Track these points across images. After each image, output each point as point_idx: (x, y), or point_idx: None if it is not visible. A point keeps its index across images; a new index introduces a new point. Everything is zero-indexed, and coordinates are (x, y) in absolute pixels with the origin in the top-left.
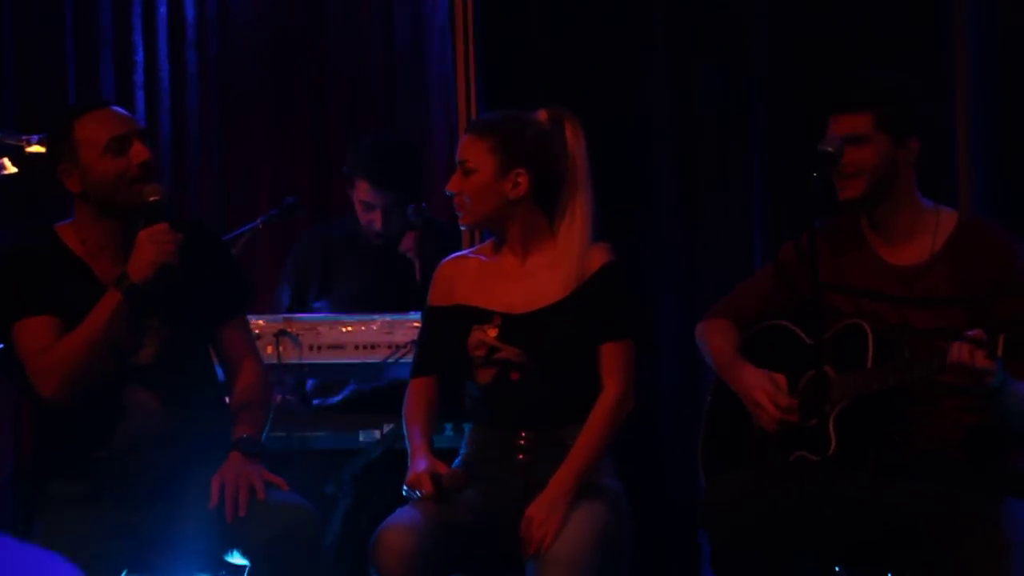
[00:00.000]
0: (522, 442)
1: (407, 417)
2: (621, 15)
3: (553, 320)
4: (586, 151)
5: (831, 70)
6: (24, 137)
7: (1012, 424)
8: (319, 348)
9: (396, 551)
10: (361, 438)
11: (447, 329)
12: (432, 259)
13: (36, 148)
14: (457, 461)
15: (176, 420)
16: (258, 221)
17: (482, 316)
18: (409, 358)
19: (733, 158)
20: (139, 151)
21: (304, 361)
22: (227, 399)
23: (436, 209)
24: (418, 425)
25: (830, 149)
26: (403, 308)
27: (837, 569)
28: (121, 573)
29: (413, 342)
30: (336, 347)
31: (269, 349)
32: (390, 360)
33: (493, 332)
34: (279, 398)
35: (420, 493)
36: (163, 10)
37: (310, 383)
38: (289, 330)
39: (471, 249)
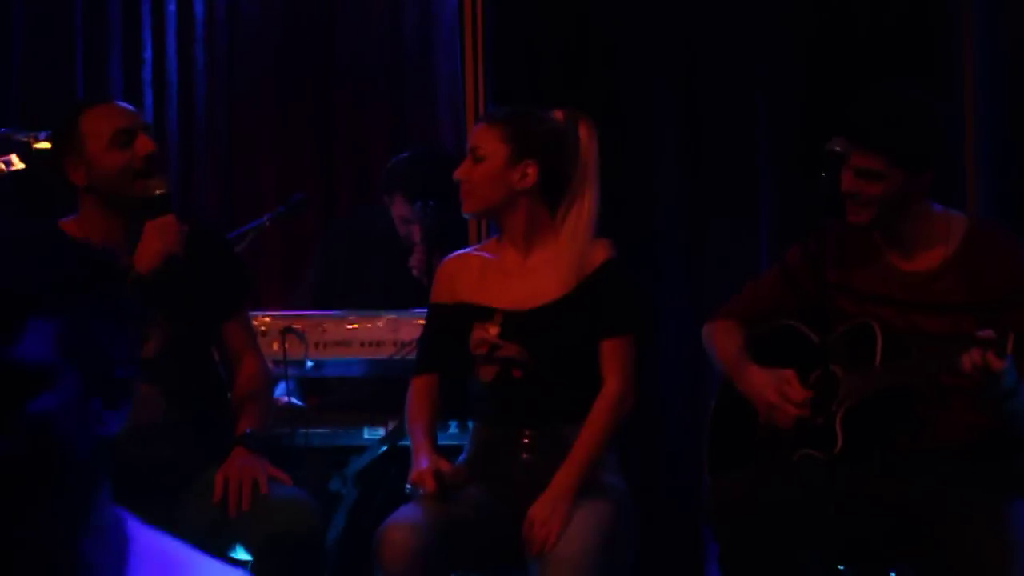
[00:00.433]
0: (525, 440)
1: (410, 415)
2: (630, 15)
3: (554, 317)
4: (598, 154)
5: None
6: (32, 133)
7: (1022, 424)
8: (324, 345)
9: (399, 548)
10: (365, 435)
11: (449, 327)
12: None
13: (44, 144)
14: (460, 459)
15: (179, 414)
16: (265, 218)
17: (484, 314)
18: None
19: (739, 155)
20: (144, 144)
21: (309, 358)
22: (228, 394)
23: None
24: (421, 423)
25: (838, 148)
26: None
27: (842, 567)
28: None
29: (418, 339)
30: (342, 344)
31: (275, 346)
32: (396, 357)
33: (495, 330)
34: (284, 400)
35: (423, 491)
36: (172, 7)
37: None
38: (295, 327)
39: (474, 247)
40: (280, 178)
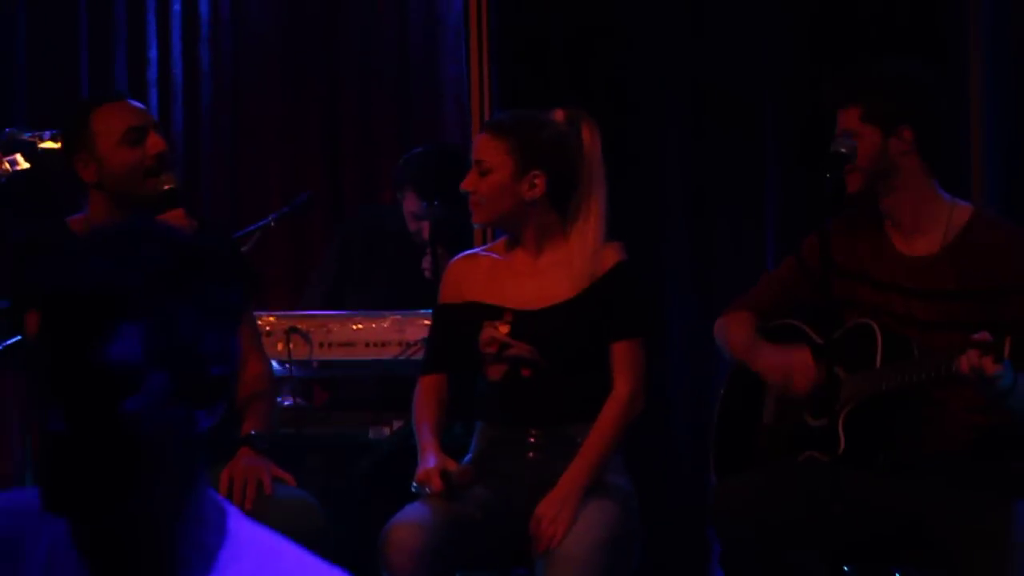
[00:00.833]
0: (532, 440)
1: (416, 414)
2: (634, 14)
3: (565, 317)
4: (601, 152)
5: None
6: (37, 133)
7: (1022, 422)
8: (330, 345)
9: (405, 548)
10: (371, 435)
11: (457, 327)
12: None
13: (49, 144)
14: (467, 458)
15: None
16: (270, 218)
17: (494, 313)
18: (420, 356)
19: (745, 157)
20: (155, 143)
21: (314, 358)
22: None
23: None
24: (428, 422)
25: (843, 150)
26: None
27: (846, 568)
28: None
29: (424, 339)
30: (347, 344)
31: (280, 346)
32: (401, 357)
33: (504, 329)
34: (290, 401)
35: (430, 490)
36: (177, 7)
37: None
38: (300, 327)
39: (482, 247)
40: (285, 178)
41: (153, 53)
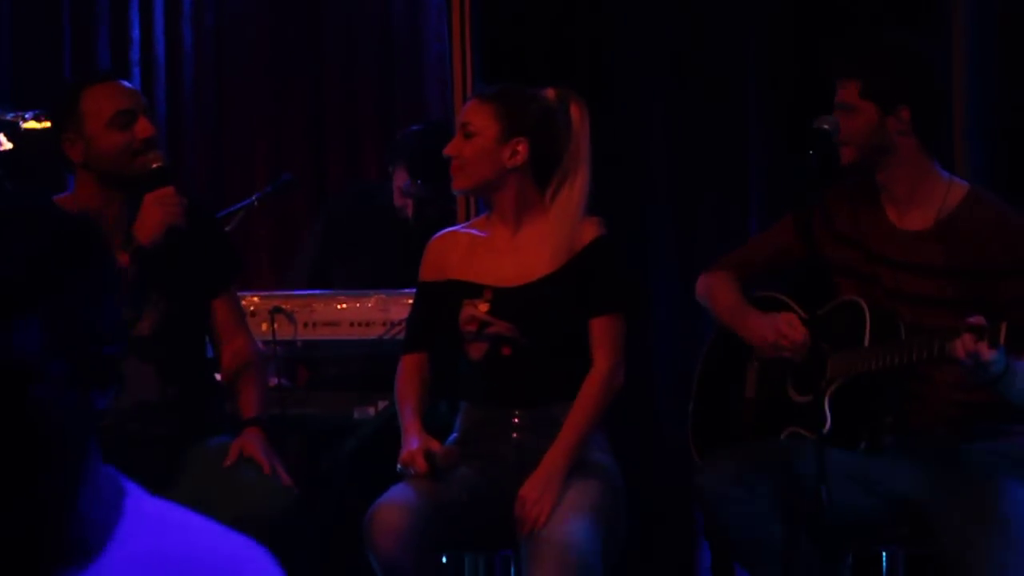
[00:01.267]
0: (516, 420)
1: (399, 395)
2: None
3: (544, 293)
4: (589, 133)
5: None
6: (20, 113)
7: (1014, 401)
8: (314, 325)
9: (390, 529)
10: (355, 415)
11: (438, 305)
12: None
13: (32, 124)
14: (451, 439)
15: (172, 392)
16: (253, 198)
17: (473, 290)
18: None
19: (729, 133)
20: (144, 127)
21: (299, 338)
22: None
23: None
24: (410, 402)
25: (825, 127)
26: None
27: (832, 546)
28: None
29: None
30: (331, 324)
31: (264, 326)
32: (385, 336)
33: (484, 307)
34: (275, 382)
35: (414, 471)
36: None
37: None
38: (284, 307)
39: (463, 224)
40: (269, 157)
41: (136, 33)
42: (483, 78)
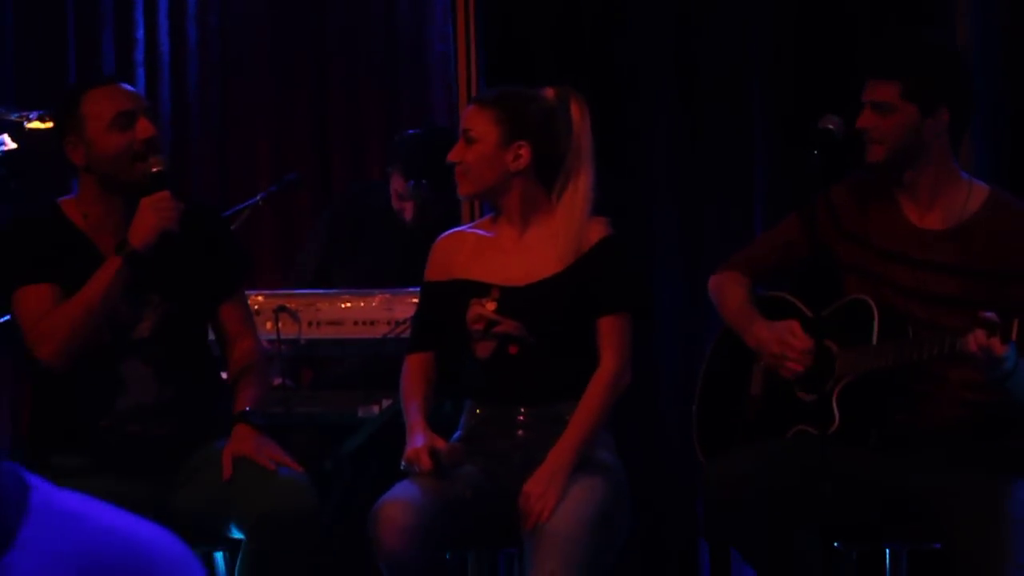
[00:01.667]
0: (521, 418)
1: (404, 393)
2: None
3: (551, 293)
4: (591, 130)
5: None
6: (24, 113)
7: (1018, 402)
8: (318, 324)
9: (395, 526)
10: (360, 413)
11: (444, 304)
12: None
13: (36, 124)
14: (456, 436)
15: (171, 393)
16: (258, 197)
17: (480, 290)
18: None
19: (733, 132)
20: (144, 128)
21: (303, 337)
22: (223, 375)
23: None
24: (415, 401)
25: (830, 126)
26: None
27: (837, 545)
28: None
29: (412, 318)
30: (335, 323)
31: (268, 325)
32: (389, 336)
33: (491, 305)
34: (278, 381)
35: (418, 468)
36: None
37: None
38: (288, 306)
39: (469, 224)
40: (274, 157)
41: (140, 33)
42: (487, 78)
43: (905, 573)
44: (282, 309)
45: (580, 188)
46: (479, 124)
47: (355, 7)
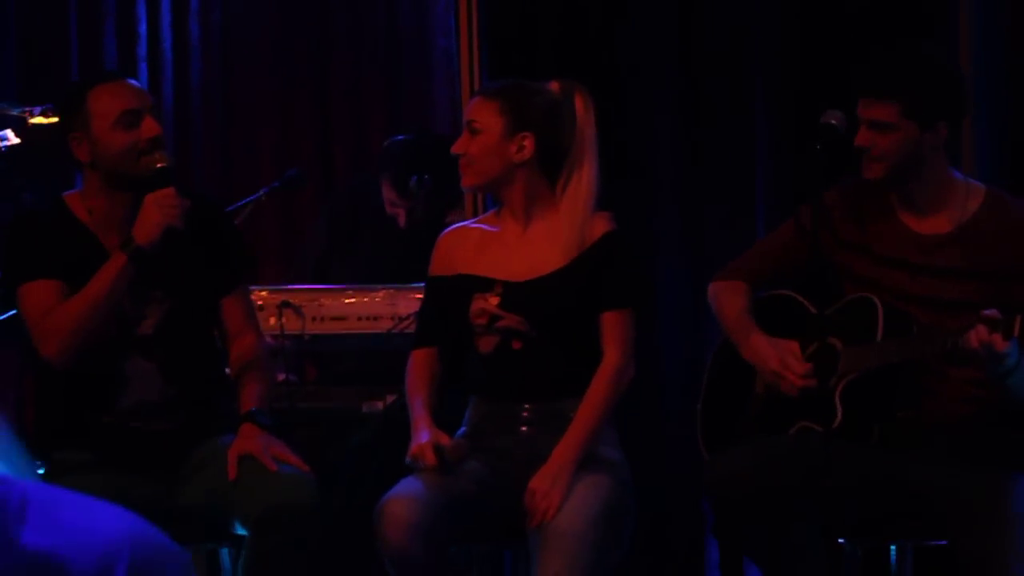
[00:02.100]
0: (525, 414)
1: (409, 389)
2: None
3: (555, 287)
4: (595, 124)
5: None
6: (27, 108)
7: (1019, 398)
8: (322, 319)
9: (400, 522)
10: (364, 409)
11: (448, 299)
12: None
13: (39, 119)
14: (460, 432)
15: (176, 390)
16: (261, 192)
17: (484, 284)
18: (412, 329)
19: (736, 129)
20: (150, 126)
21: (306, 332)
22: (227, 371)
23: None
24: (420, 396)
25: (833, 121)
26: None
27: (841, 541)
28: None
29: (416, 313)
30: (339, 318)
31: (272, 320)
32: (393, 331)
33: (495, 300)
34: (282, 377)
35: (423, 464)
36: None
37: None
38: (292, 301)
39: (472, 219)
40: (277, 152)
41: (143, 28)
42: (490, 75)
43: (910, 569)
44: (286, 304)
45: (584, 182)
46: (483, 115)
47: (357, 2)
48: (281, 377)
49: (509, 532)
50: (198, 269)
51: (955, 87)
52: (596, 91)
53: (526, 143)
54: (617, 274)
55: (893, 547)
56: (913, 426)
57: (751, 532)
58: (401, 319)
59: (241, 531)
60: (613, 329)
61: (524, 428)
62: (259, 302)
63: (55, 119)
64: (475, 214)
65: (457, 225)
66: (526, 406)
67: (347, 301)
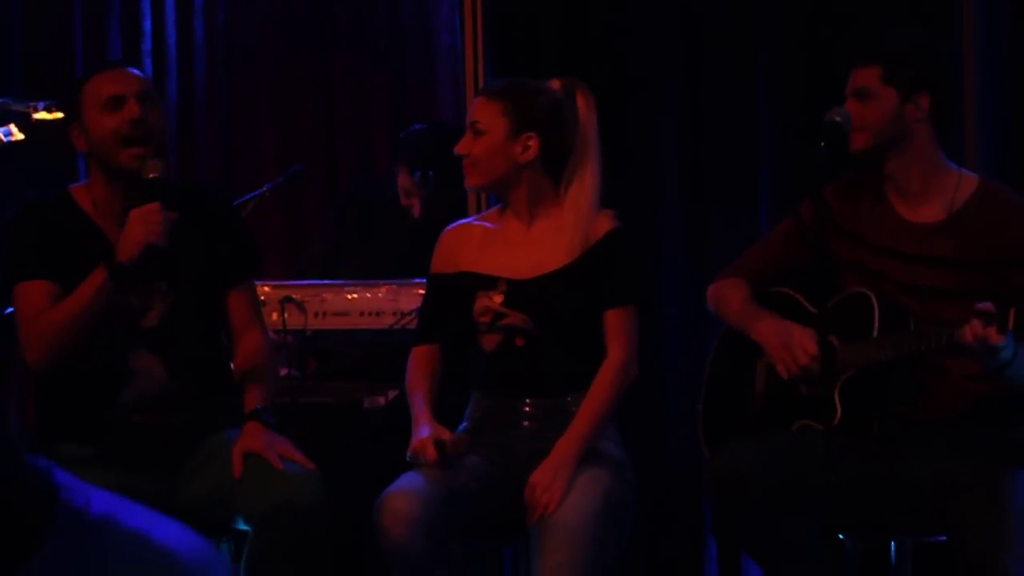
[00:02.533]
0: (527, 409)
1: (410, 384)
2: None
3: (558, 285)
4: (597, 122)
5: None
6: (31, 104)
7: (1022, 390)
8: (324, 315)
9: (400, 517)
10: (366, 404)
11: (451, 296)
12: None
13: (43, 115)
14: (461, 427)
15: (180, 383)
16: (264, 188)
17: (487, 282)
18: (414, 325)
19: (740, 127)
20: (131, 110)
21: (309, 328)
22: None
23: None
24: (421, 392)
25: (837, 119)
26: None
27: (841, 537)
28: None
29: (418, 309)
30: (341, 314)
31: (274, 316)
32: (395, 327)
33: (499, 298)
34: (284, 372)
35: (424, 460)
36: None
37: None
38: (294, 296)
39: (475, 216)
40: (281, 149)
41: (147, 24)
42: (494, 70)
43: (910, 566)
44: (288, 300)
45: (587, 181)
46: (487, 116)
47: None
48: (283, 372)
49: (510, 527)
50: (204, 262)
51: (936, 57)
52: (600, 89)
53: (531, 143)
54: (620, 272)
55: (893, 543)
56: (912, 422)
57: (751, 530)
58: (403, 315)
59: (243, 526)
60: (616, 327)
61: (526, 423)
62: (262, 297)
63: (58, 115)
64: (479, 211)
65: (460, 222)
66: (528, 401)
67: (349, 297)
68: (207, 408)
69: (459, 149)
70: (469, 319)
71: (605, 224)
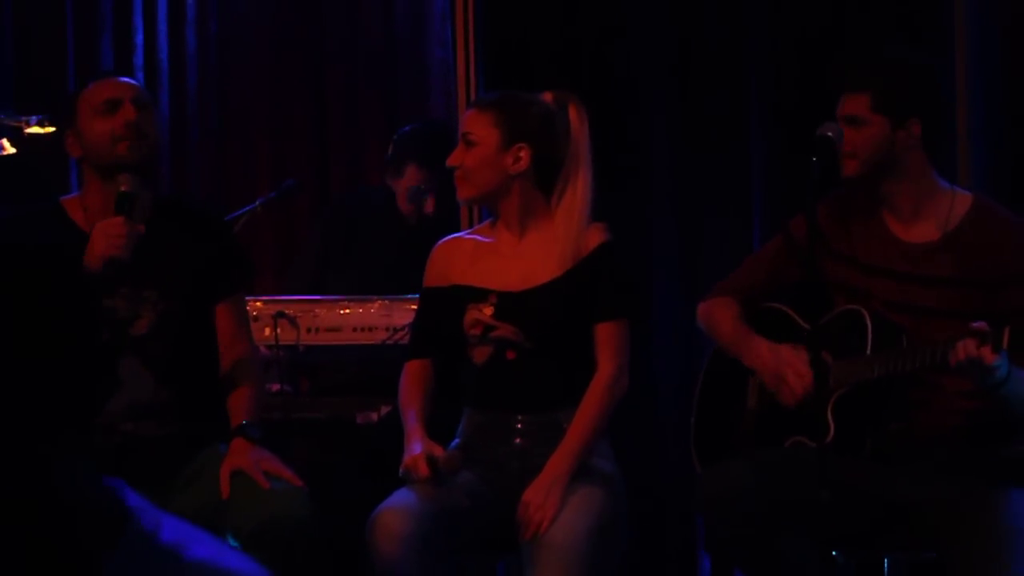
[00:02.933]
0: (519, 425)
1: (402, 400)
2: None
3: (549, 298)
4: (588, 135)
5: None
6: (24, 118)
7: (1015, 409)
8: (316, 330)
9: (393, 534)
10: (358, 420)
11: (443, 310)
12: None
13: (35, 129)
14: (454, 444)
15: (168, 393)
16: (256, 203)
17: (478, 295)
18: (407, 340)
19: (731, 140)
20: (127, 112)
21: (301, 343)
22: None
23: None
24: (414, 408)
25: (829, 134)
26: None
27: (835, 554)
28: None
29: (410, 324)
30: (334, 329)
31: (267, 331)
32: (388, 342)
33: (489, 310)
34: (276, 388)
35: (416, 476)
36: None
37: None
38: (287, 312)
39: (467, 231)
40: (273, 162)
41: (139, 38)
42: (486, 84)
43: None
44: (280, 315)
45: (578, 193)
46: (479, 127)
47: (353, 13)
48: (276, 388)
49: (502, 544)
50: (194, 273)
51: (926, 83)
52: (593, 102)
53: (522, 154)
54: (611, 285)
55: (886, 560)
56: (905, 439)
57: (744, 546)
58: (396, 330)
59: (233, 543)
60: (607, 340)
61: (518, 440)
62: (254, 312)
63: (51, 129)
64: (471, 223)
65: (451, 236)
66: (519, 417)
67: (342, 312)
68: (198, 420)
69: (451, 161)
70: (460, 332)
71: (596, 237)
